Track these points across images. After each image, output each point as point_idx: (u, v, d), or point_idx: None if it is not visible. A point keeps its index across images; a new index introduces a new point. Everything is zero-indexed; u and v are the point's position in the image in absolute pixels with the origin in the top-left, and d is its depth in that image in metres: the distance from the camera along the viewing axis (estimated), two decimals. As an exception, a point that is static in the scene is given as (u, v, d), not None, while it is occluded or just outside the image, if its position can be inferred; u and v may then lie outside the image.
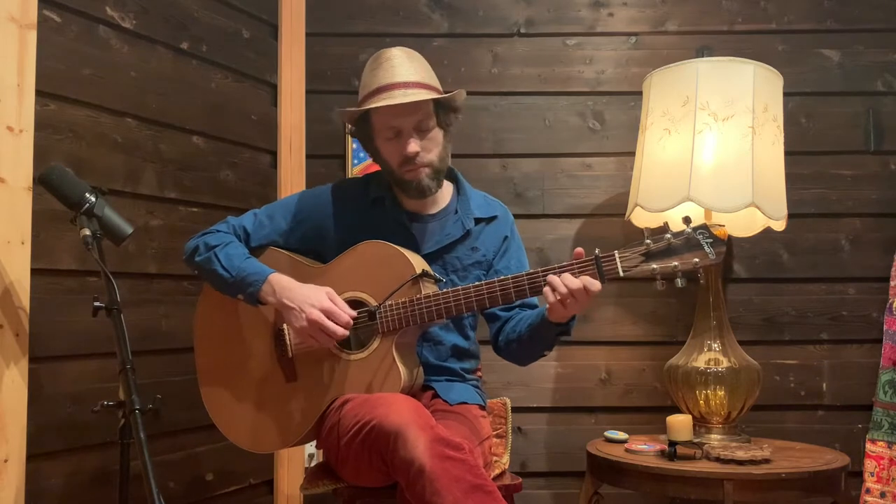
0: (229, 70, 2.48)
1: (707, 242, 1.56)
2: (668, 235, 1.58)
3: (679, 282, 1.57)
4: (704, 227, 1.57)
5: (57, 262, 1.94)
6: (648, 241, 1.58)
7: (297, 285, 1.72)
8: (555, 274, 1.60)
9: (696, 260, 1.56)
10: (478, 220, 1.89)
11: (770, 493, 1.97)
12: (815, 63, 2.68)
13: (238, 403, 1.82)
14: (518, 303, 1.85)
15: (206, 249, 1.79)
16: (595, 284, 1.57)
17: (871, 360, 2.53)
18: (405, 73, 1.74)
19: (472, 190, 1.94)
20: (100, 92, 2.06)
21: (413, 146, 1.74)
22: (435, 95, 1.76)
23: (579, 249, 1.62)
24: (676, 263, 1.57)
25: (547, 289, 1.59)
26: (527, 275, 1.64)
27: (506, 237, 1.93)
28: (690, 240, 1.57)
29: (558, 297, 1.57)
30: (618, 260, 1.59)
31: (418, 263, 1.73)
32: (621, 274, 1.59)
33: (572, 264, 1.60)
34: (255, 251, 1.84)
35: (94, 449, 1.98)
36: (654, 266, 1.58)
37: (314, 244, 1.87)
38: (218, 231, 1.85)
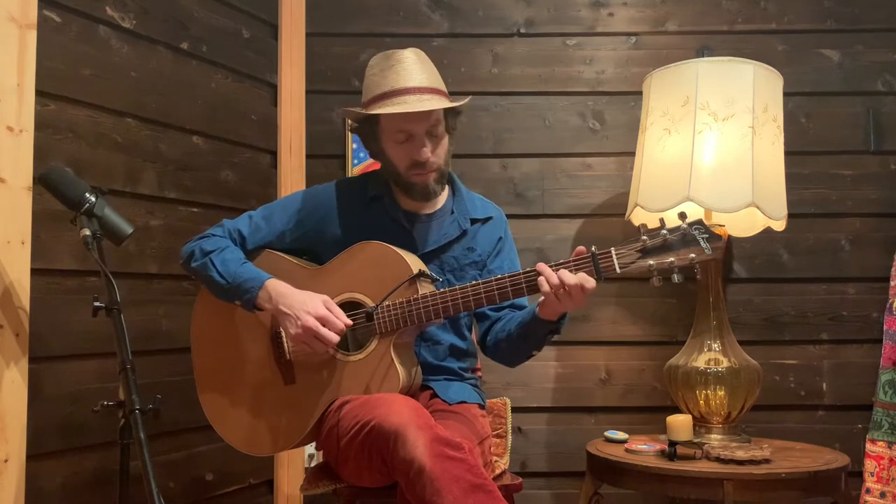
0: (229, 70, 2.48)
1: (703, 238, 1.56)
2: (664, 231, 1.57)
3: (675, 277, 1.57)
4: (700, 223, 1.57)
5: (57, 262, 1.94)
6: (644, 237, 1.58)
7: (294, 291, 1.71)
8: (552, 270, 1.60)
9: (693, 255, 1.56)
10: (473, 221, 1.90)
11: (770, 493, 1.97)
12: (815, 63, 2.69)
13: (236, 406, 1.81)
14: (507, 304, 1.86)
15: (201, 255, 1.79)
16: (590, 281, 1.57)
17: (871, 360, 2.53)
18: (418, 77, 1.74)
19: (468, 191, 1.95)
20: (100, 92, 2.06)
21: (427, 153, 1.75)
22: (448, 104, 1.76)
23: (580, 248, 1.62)
24: (673, 259, 1.57)
25: (541, 278, 1.59)
26: (524, 273, 1.64)
27: (500, 238, 1.93)
28: (686, 235, 1.57)
29: (551, 288, 1.57)
30: (614, 256, 1.59)
31: (415, 263, 1.73)
32: (618, 271, 1.58)
33: (568, 262, 1.61)
34: (252, 254, 1.84)
35: (94, 449, 1.99)
36: (651, 262, 1.57)
37: (312, 244, 1.86)
38: (213, 235, 1.84)
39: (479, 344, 1.93)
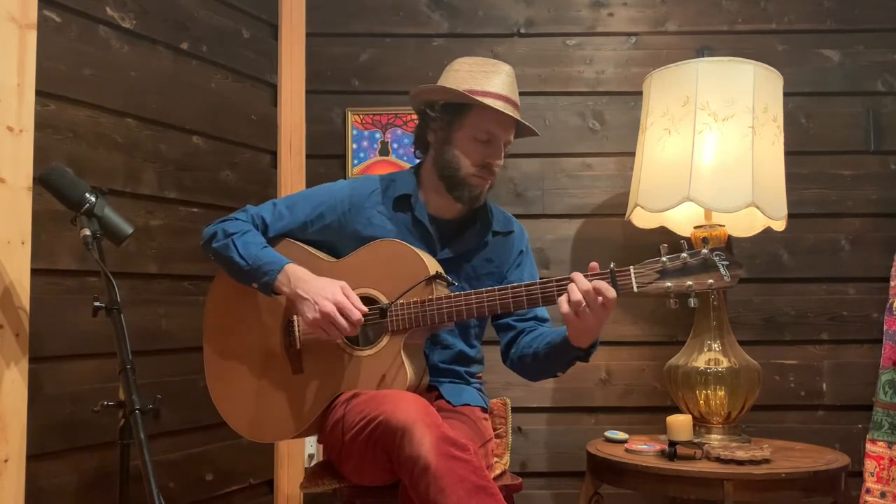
0: (229, 70, 2.48)
1: (723, 265, 1.55)
2: (685, 254, 1.57)
3: (692, 302, 1.57)
4: (722, 250, 1.57)
5: (57, 262, 1.94)
6: (664, 258, 1.58)
7: (313, 277, 1.72)
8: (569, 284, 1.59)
9: (711, 281, 1.56)
10: (495, 233, 1.91)
11: (770, 493, 1.97)
12: (815, 63, 2.69)
13: (242, 391, 1.82)
14: (531, 315, 1.87)
15: (224, 236, 1.80)
16: (611, 291, 1.54)
17: (871, 360, 2.53)
18: (516, 95, 1.83)
19: (492, 204, 1.96)
20: (100, 92, 2.06)
21: (500, 159, 1.81)
22: (533, 129, 1.87)
23: (594, 264, 1.61)
24: (691, 283, 1.56)
25: (562, 297, 1.58)
26: (540, 283, 1.64)
27: (521, 251, 1.95)
28: (707, 261, 1.56)
29: (572, 306, 1.55)
30: (633, 275, 1.58)
31: (432, 265, 1.73)
32: (635, 289, 1.58)
33: (585, 276, 1.60)
34: (272, 241, 1.84)
35: (94, 449, 1.99)
36: (669, 284, 1.57)
37: (332, 237, 1.86)
38: (237, 219, 1.85)
39: (501, 355, 1.92)
